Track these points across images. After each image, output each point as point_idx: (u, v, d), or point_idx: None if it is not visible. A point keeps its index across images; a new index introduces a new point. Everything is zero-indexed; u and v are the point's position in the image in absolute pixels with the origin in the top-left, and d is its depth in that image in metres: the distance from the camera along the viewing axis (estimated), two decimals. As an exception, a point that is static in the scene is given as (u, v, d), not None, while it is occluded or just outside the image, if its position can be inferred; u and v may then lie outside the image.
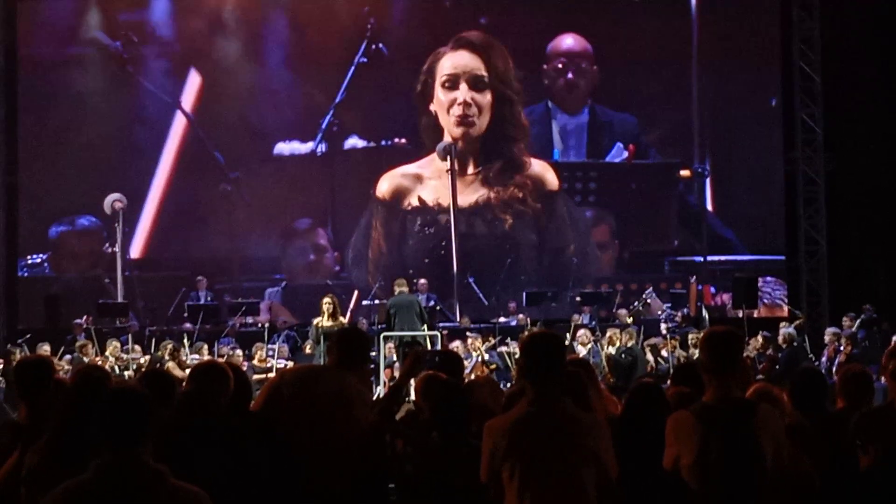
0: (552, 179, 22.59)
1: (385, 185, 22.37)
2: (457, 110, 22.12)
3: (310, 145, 22.68)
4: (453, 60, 22.31)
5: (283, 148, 22.65)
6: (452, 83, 22.24)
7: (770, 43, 22.69)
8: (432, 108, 22.31)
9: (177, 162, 22.41)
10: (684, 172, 22.84)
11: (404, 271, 20.45)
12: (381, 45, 22.58)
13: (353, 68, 22.48)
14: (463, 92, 22.13)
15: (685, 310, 20.69)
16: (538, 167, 22.61)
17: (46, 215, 22.15)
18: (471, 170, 22.37)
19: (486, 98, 22.27)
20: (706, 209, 22.93)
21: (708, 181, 22.93)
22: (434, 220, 22.22)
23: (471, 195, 22.31)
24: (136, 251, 22.16)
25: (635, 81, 22.54)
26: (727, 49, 22.57)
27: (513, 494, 4.75)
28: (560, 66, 22.96)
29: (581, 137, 23.14)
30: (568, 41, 23.04)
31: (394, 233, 22.36)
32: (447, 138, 22.02)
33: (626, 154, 22.88)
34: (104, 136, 22.02)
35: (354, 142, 22.72)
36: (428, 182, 22.34)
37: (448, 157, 21.61)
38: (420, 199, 22.29)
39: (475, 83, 22.23)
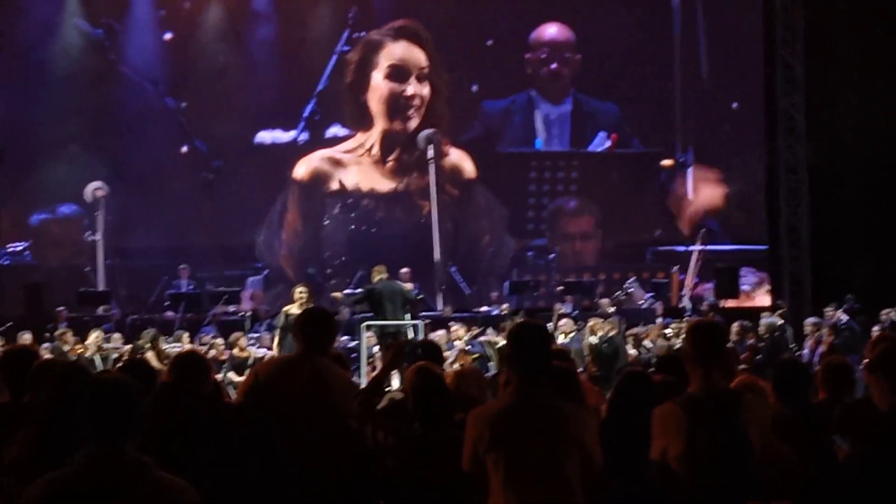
0: (469, 168, 22.68)
1: (303, 169, 22.46)
2: (402, 102, 22.28)
3: (291, 134, 22.64)
4: (398, 52, 22.46)
5: (265, 136, 22.61)
6: (399, 76, 22.35)
7: (752, 31, 22.68)
8: (365, 96, 22.37)
9: (159, 150, 22.32)
10: (666, 162, 22.87)
11: (320, 254, 21.36)
12: (362, 34, 22.53)
13: (334, 57, 22.45)
14: (412, 86, 22.25)
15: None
16: (455, 156, 22.68)
17: (27, 203, 22.05)
18: (391, 157, 22.36)
19: (426, 91, 22.39)
20: (688, 199, 22.95)
21: (690, 170, 22.95)
22: (356, 205, 22.36)
23: (389, 182, 22.44)
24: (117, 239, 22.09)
25: (618, 70, 22.54)
26: (709, 38, 22.60)
27: (497, 484, 4.72)
28: (543, 55, 22.94)
29: (564, 127, 23.14)
30: (551, 30, 23.03)
31: (311, 216, 22.45)
32: (426, 131, 22.14)
33: (608, 143, 22.87)
34: (85, 124, 21.92)
35: (336, 130, 22.68)
36: (350, 167, 22.46)
37: (431, 147, 21.62)
38: (341, 182, 22.42)
39: (421, 77, 22.36)
